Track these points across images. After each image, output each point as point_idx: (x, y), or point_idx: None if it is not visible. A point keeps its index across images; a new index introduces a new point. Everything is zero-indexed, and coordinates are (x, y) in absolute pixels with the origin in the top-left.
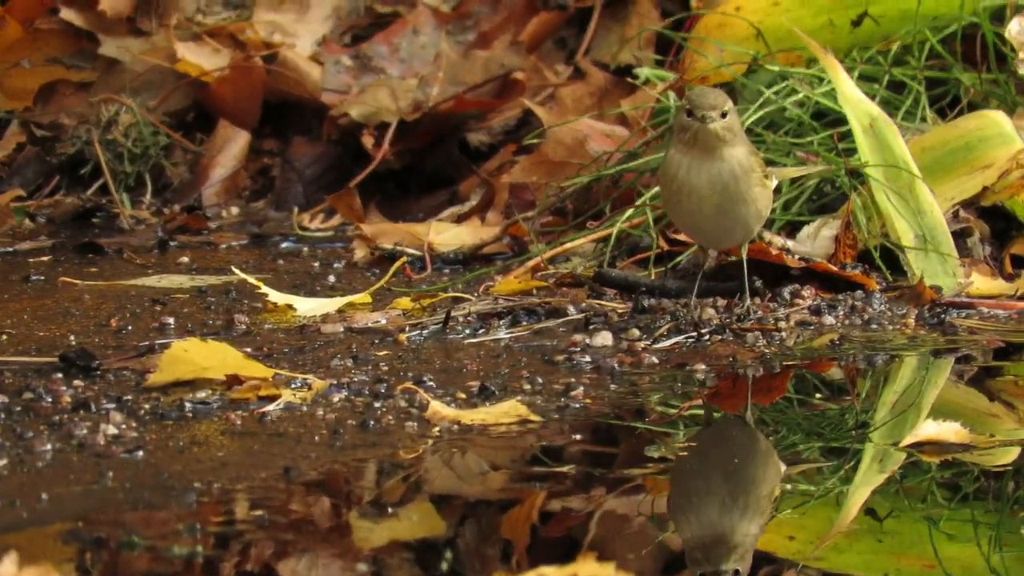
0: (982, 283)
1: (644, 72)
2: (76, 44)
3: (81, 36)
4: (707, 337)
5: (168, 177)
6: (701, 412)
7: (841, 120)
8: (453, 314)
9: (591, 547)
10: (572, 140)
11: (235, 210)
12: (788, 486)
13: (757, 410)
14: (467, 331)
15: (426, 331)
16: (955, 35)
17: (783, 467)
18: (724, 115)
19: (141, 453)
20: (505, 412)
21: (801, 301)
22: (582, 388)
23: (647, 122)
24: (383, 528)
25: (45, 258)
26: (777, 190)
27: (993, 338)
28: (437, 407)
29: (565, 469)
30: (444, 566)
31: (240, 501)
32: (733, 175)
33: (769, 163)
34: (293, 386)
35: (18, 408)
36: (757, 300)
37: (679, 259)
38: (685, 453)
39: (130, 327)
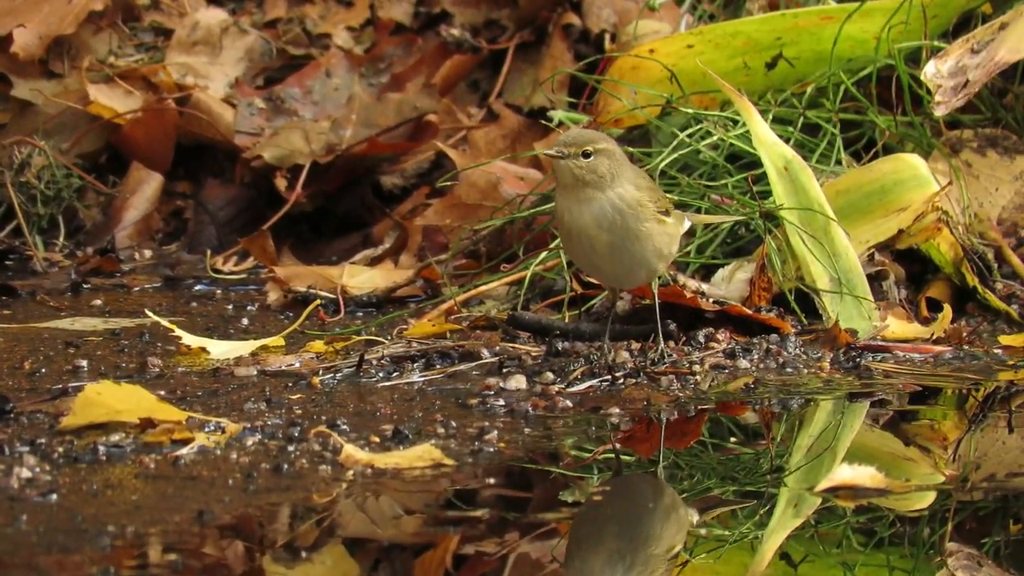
0: (898, 327)
1: (558, 114)
2: None
3: None
4: (621, 381)
5: (81, 219)
6: (614, 456)
7: (756, 163)
8: (367, 357)
9: None
10: (485, 183)
11: (148, 252)
12: (702, 531)
13: (671, 454)
14: (381, 374)
15: (340, 374)
16: (870, 77)
17: (694, 517)
18: (587, 155)
19: (55, 496)
20: (419, 456)
21: (716, 344)
22: (496, 432)
23: None
24: (297, 572)
25: None
26: (691, 233)
27: (909, 382)
28: (351, 451)
29: (479, 513)
30: None
31: (154, 544)
32: (618, 211)
33: (682, 206)
34: (207, 429)
35: None
36: (671, 343)
37: (593, 302)
38: (587, 504)
39: (43, 370)
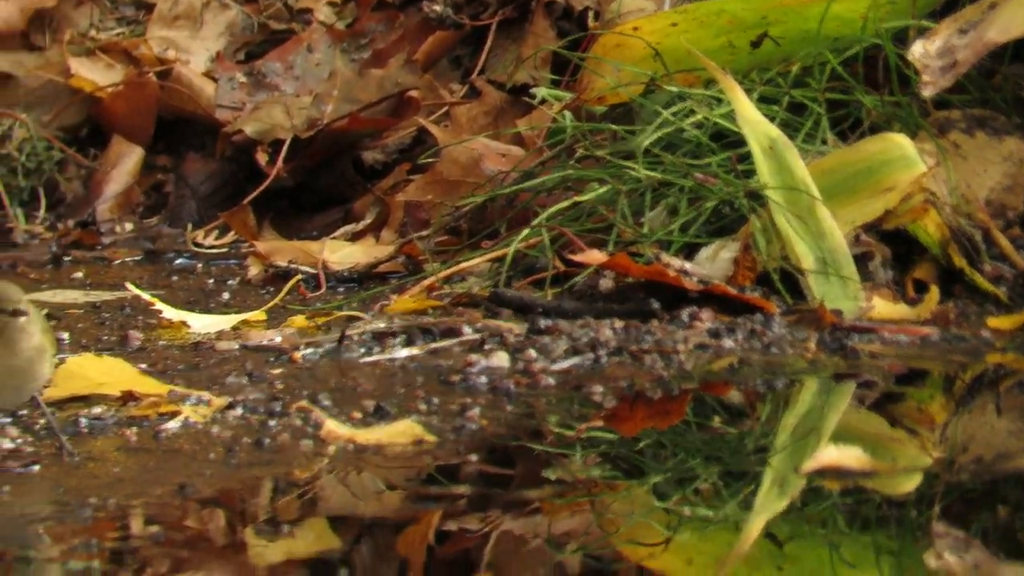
0: (884, 308)
1: (540, 92)
2: None
3: None
4: (604, 359)
5: (62, 192)
6: (599, 434)
7: (740, 142)
8: (348, 333)
9: (487, 567)
10: (467, 159)
11: (129, 226)
12: (686, 510)
13: (655, 433)
14: (362, 350)
15: (321, 350)
16: (857, 57)
17: None
18: (16, 313)
19: (37, 468)
20: (401, 432)
21: (699, 324)
22: (478, 409)
23: (543, 142)
24: (278, 546)
25: None
26: (674, 211)
27: (895, 363)
28: (332, 426)
29: (461, 489)
30: None
31: (136, 517)
32: (30, 361)
33: (667, 184)
34: (188, 403)
35: None
36: (655, 322)
37: (575, 280)
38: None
39: None
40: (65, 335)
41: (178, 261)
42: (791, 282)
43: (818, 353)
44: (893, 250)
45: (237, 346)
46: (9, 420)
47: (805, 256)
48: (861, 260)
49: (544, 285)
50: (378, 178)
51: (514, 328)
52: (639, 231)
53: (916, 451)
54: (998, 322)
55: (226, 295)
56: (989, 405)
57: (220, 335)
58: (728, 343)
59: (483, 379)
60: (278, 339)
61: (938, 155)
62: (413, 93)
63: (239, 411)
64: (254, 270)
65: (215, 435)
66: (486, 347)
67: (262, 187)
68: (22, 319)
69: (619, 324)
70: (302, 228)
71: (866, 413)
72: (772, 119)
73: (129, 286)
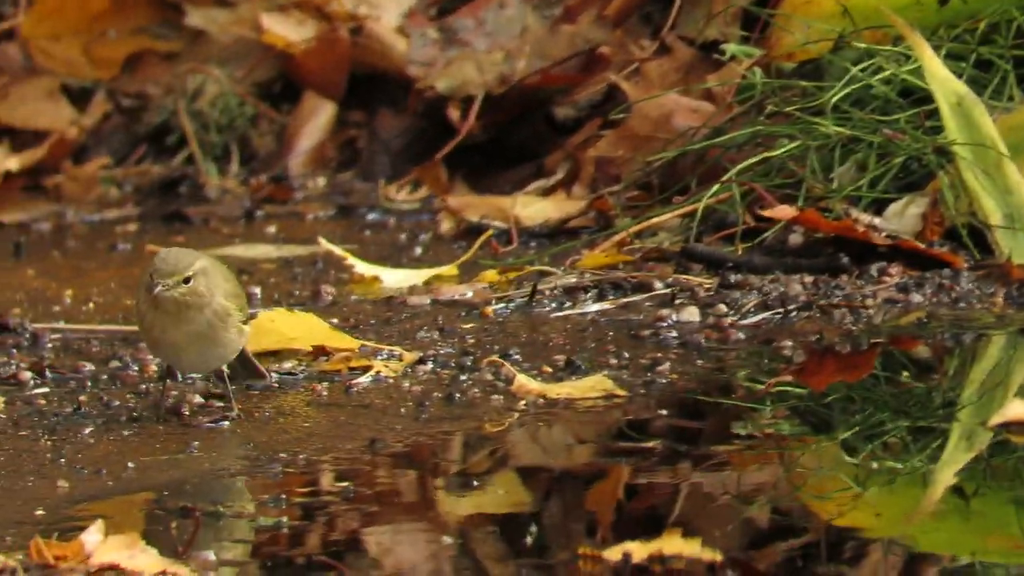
0: None
1: (730, 48)
2: (162, 14)
3: (167, 6)
4: (794, 313)
5: (254, 147)
6: (788, 388)
7: (928, 98)
8: (539, 288)
9: (676, 523)
10: (658, 115)
11: (321, 181)
12: (875, 464)
13: (843, 387)
14: (553, 305)
15: (512, 304)
16: None
17: None
18: (187, 280)
19: (227, 423)
20: (591, 386)
21: (888, 279)
22: (668, 363)
23: (733, 98)
24: (469, 500)
25: (132, 227)
26: (863, 167)
27: None
28: (523, 381)
29: (651, 444)
30: (529, 540)
31: (326, 472)
32: (211, 325)
33: (856, 140)
34: (380, 358)
35: (104, 376)
36: (844, 277)
37: (765, 235)
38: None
39: None
40: (257, 290)
41: (370, 216)
42: (979, 237)
43: (1005, 308)
44: None
45: (428, 301)
46: (200, 376)
47: (992, 211)
48: None
49: (734, 240)
50: (569, 134)
51: (704, 283)
52: (828, 186)
53: None
54: None
55: (418, 250)
56: None
57: (412, 290)
58: (916, 298)
59: (673, 334)
60: (469, 294)
61: None
62: (604, 49)
63: (430, 366)
64: (446, 225)
65: (406, 390)
66: (676, 302)
67: (454, 143)
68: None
69: (808, 279)
70: (494, 183)
71: None
72: (959, 76)
73: (321, 241)
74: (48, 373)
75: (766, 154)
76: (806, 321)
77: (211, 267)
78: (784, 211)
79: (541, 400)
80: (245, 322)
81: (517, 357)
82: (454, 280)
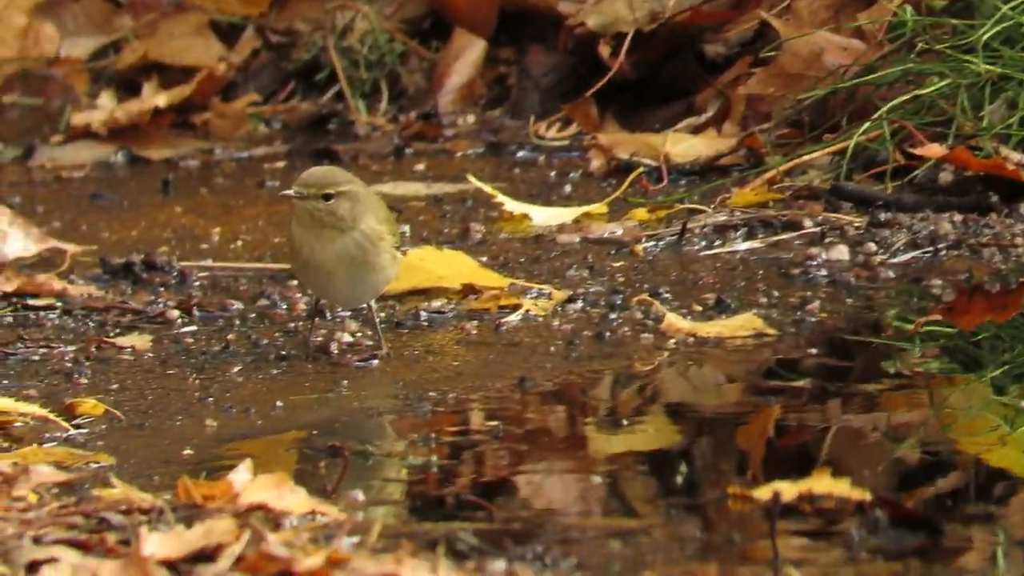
0: None
1: None
2: None
3: None
4: (943, 252)
5: (403, 85)
6: (937, 327)
7: None
8: (689, 226)
9: (826, 462)
10: (808, 53)
11: (471, 118)
12: (1022, 403)
13: (992, 326)
14: (703, 243)
15: (662, 242)
16: None
17: None
18: (328, 197)
19: (376, 361)
20: (741, 325)
21: None
22: (818, 302)
23: (883, 36)
24: (618, 439)
25: (280, 164)
26: (1012, 104)
27: None
28: (673, 319)
29: (800, 383)
30: (679, 478)
31: (475, 411)
32: (360, 247)
33: (1006, 78)
34: (529, 296)
35: (252, 315)
36: (994, 216)
37: (915, 173)
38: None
39: None
40: (406, 228)
41: (520, 154)
42: None
43: None
44: None
45: (578, 239)
46: (349, 313)
47: None
48: None
49: (884, 178)
50: (720, 71)
51: (854, 221)
52: (978, 124)
53: None
54: None
55: (568, 188)
56: None
57: (561, 228)
58: None
59: (823, 272)
60: (619, 232)
61: None
62: None
63: (579, 304)
64: (596, 163)
65: (555, 328)
66: (826, 240)
67: (604, 80)
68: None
69: (958, 217)
70: (644, 121)
71: None
72: None
73: (471, 178)
74: (196, 312)
75: (916, 92)
76: (955, 260)
77: (363, 194)
78: (934, 149)
79: (690, 339)
80: (398, 248)
81: (667, 295)
82: (604, 218)
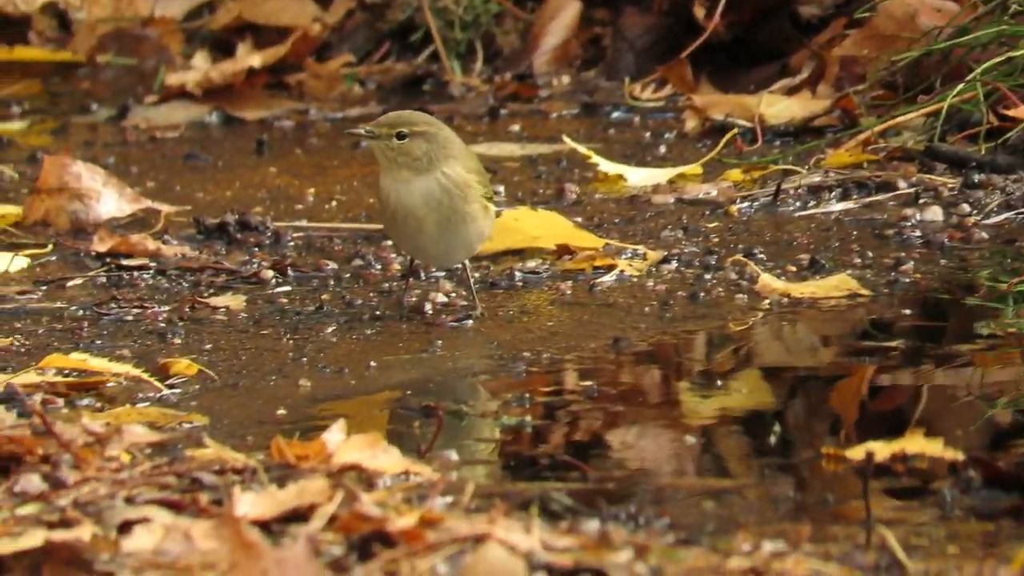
0: None
1: None
2: None
3: None
4: None
5: (498, 45)
6: None
7: None
8: (783, 187)
9: (919, 422)
10: (903, 14)
11: (566, 79)
12: None
13: None
14: (797, 204)
15: (756, 203)
16: None
17: None
18: (402, 136)
19: (470, 322)
20: (835, 285)
21: None
22: (912, 263)
23: None
24: (712, 399)
25: None
26: None
27: None
28: (767, 280)
29: (894, 344)
30: (772, 439)
31: (569, 371)
32: (445, 191)
33: None
34: (624, 256)
35: (347, 275)
36: None
37: (1009, 135)
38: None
39: None
40: (501, 188)
41: (615, 114)
42: None
43: None
44: None
45: (673, 199)
46: (443, 274)
47: None
48: None
49: (978, 140)
50: (814, 33)
51: (948, 182)
52: None
53: None
54: None
55: (662, 148)
56: None
57: (656, 188)
58: None
59: (917, 233)
60: (714, 193)
61: None
62: None
63: (674, 264)
64: (691, 123)
65: (650, 289)
66: (920, 201)
67: (699, 41)
68: (420, 148)
69: None
70: (738, 82)
71: None
72: None
73: (565, 139)
74: (290, 272)
75: (1010, 54)
76: None
77: (446, 139)
78: None
79: (784, 299)
80: (490, 200)
81: (761, 256)
82: (698, 179)
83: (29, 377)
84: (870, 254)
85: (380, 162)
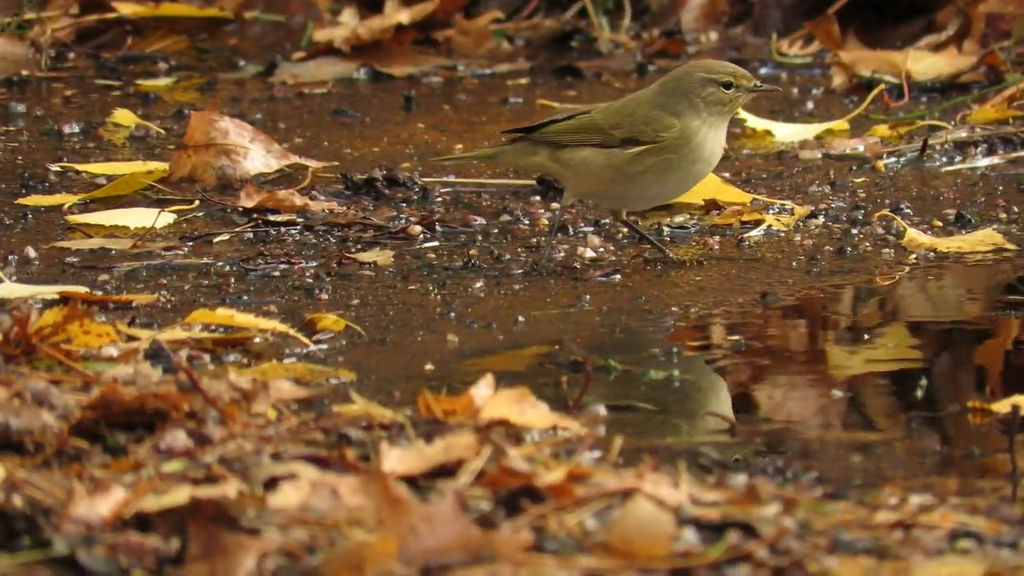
0: None
1: None
2: None
3: None
4: None
5: (646, 1)
6: None
7: None
8: (930, 142)
9: None
10: None
11: (713, 35)
12: None
13: None
14: (943, 159)
15: (903, 159)
16: None
17: None
18: (728, 86)
19: (618, 277)
20: (981, 240)
21: None
22: None
23: None
24: (859, 354)
25: (523, 80)
26: None
27: None
28: (914, 234)
29: None
30: (918, 392)
31: (717, 326)
32: None
33: None
34: (771, 212)
35: (495, 230)
36: None
37: None
38: None
39: None
40: None
41: (762, 70)
42: None
43: None
44: None
45: (820, 155)
46: (592, 229)
47: None
48: None
49: None
50: None
51: None
52: None
53: None
54: None
55: (810, 104)
56: None
57: (803, 144)
58: None
59: None
60: (861, 148)
61: None
62: None
63: (821, 219)
64: (838, 80)
65: (797, 243)
66: None
67: None
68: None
69: None
70: (885, 38)
71: None
72: None
73: None
74: (438, 227)
75: None
76: None
77: None
78: None
79: (931, 254)
80: None
81: (908, 211)
82: (845, 134)
83: (175, 333)
84: (1016, 209)
85: (722, 113)
